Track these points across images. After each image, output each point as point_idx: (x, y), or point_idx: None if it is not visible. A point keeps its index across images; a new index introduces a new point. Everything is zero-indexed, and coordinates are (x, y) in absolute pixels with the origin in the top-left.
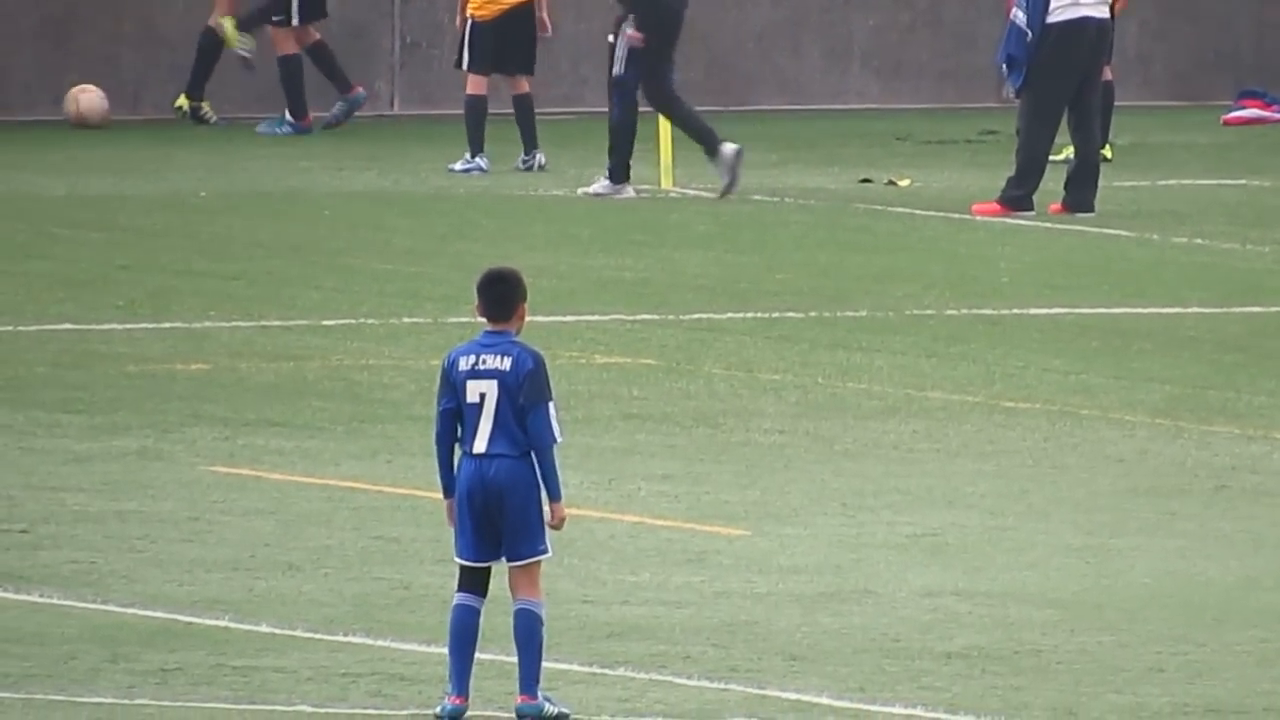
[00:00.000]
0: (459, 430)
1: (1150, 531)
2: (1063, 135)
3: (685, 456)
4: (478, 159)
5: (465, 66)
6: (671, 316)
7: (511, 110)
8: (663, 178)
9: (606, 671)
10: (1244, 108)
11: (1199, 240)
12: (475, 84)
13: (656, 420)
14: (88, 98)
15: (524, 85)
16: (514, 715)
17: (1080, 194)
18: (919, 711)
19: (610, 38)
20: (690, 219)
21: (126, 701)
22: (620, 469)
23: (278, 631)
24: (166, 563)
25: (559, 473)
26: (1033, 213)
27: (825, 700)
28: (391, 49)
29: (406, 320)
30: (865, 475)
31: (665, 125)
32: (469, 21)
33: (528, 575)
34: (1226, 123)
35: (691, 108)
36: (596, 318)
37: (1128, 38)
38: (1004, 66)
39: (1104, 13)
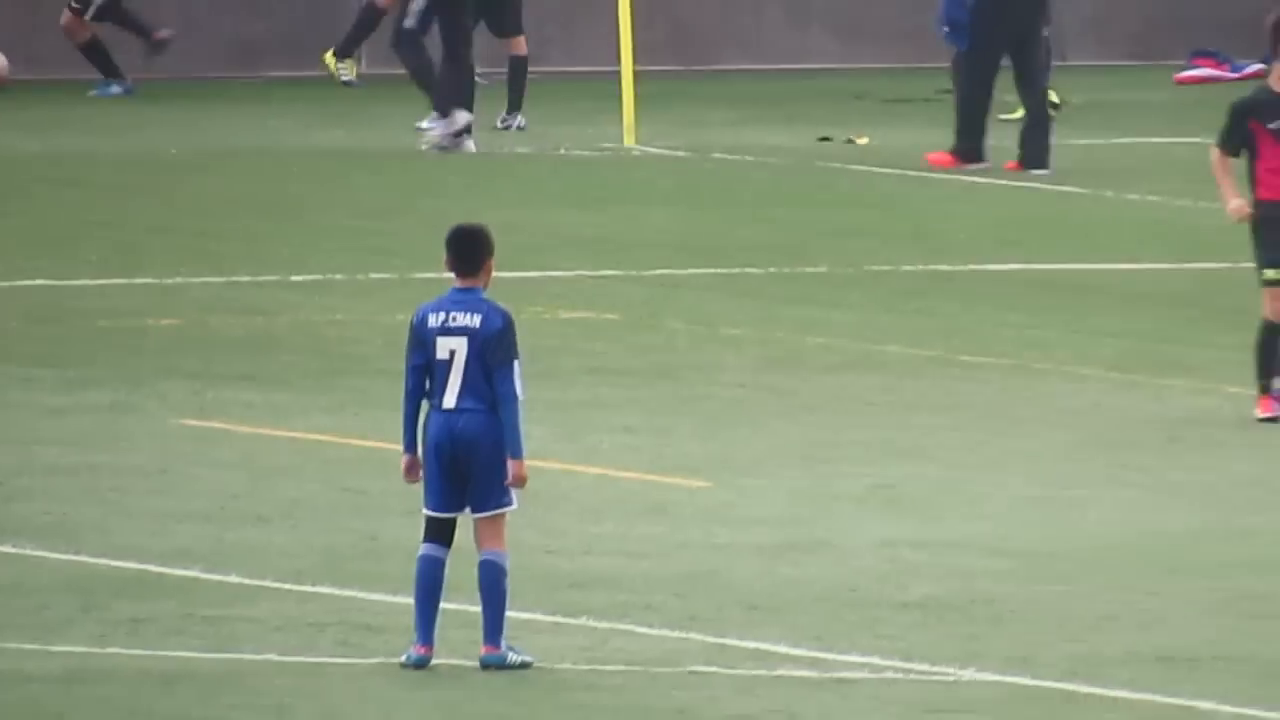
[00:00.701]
0: (428, 385)
1: (1103, 483)
2: (1014, 96)
3: (647, 409)
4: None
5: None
6: (634, 272)
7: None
8: (626, 135)
9: (569, 621)
10: (1197, 67)
11: (1152, 197)
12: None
13: (619, 374)
14: None
15: (520, 45)
16: (479, 664)
17: (1034, 151)
18: (875, 660)
19: None
20: (653, 176)
21: (98, 650)
22: (583, 422)
23: (247, 582)
24: (137, 514)
25: (521, 431)
26: (985, 164)
27: (783, 649)
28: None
29: (374, 276)
30: (824, 428)
31: (629, 84)
32: None
33: (493, 527)
34: (1179, 81)
35: (432, 65)
36: (561, 273)
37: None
38: (945, 30)
39: None
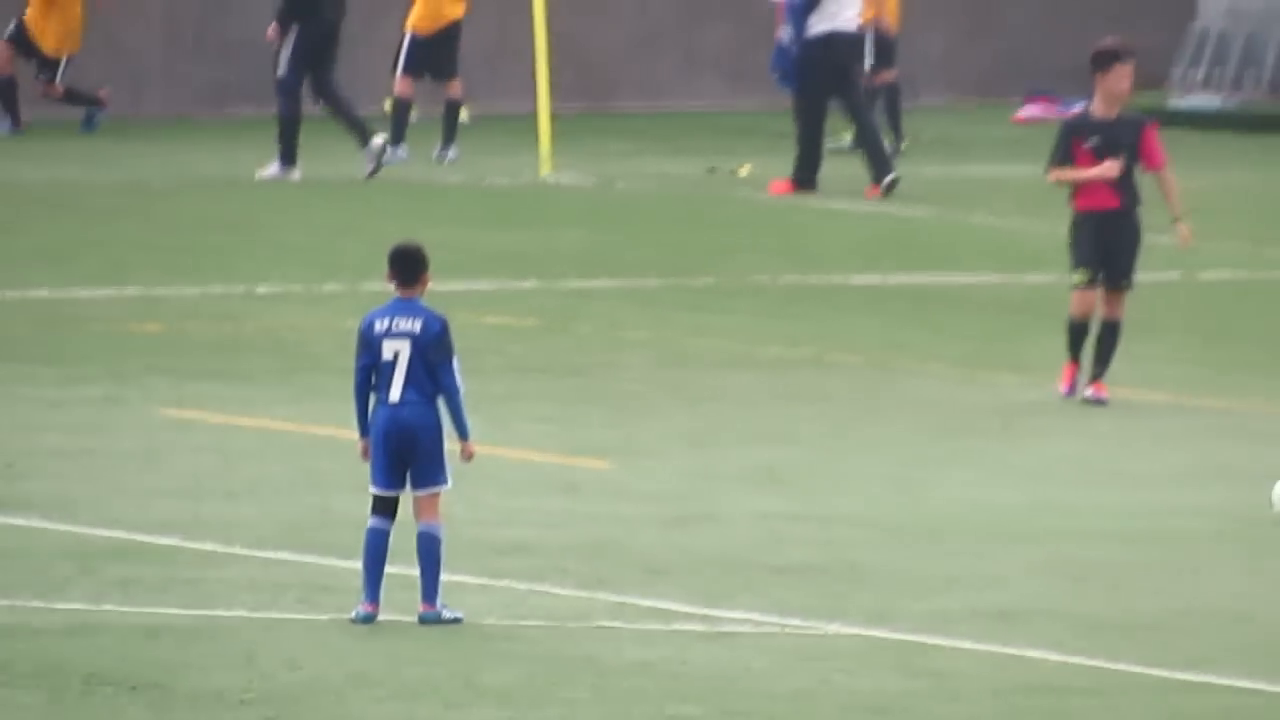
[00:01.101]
0: (374, 381)
1: (950, 464)
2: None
3: (560, 401)
4: (399, 149)
5: (400, 71)
6: (549, 284)
7: (424, 110)
8: (541, 166)
9: (494, 583)
10: (1033, 105)
11: (990, 219)
12: (404, 86)
13: (536, 371)
14: None
15: (456, 89)
16: (418, 620)
17: (878, 169)
18: (755, 616)
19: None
20: (564, 201)
21: (93, 607)
22: (505, 412)
23: (219, 549)
24: (126, 491)
25: (466, 416)
26: (816, 191)
27: (677, 607)
28: None
29: (327, 288)
30: (711, 417)
31: (545, 122)
32: (409, 35)
33: (430, 503)
34: (1016, 120)
35: (349, 104)
36: (485, 285)
37: (933, 45)
38: (776, 75)
39: (853, 26)
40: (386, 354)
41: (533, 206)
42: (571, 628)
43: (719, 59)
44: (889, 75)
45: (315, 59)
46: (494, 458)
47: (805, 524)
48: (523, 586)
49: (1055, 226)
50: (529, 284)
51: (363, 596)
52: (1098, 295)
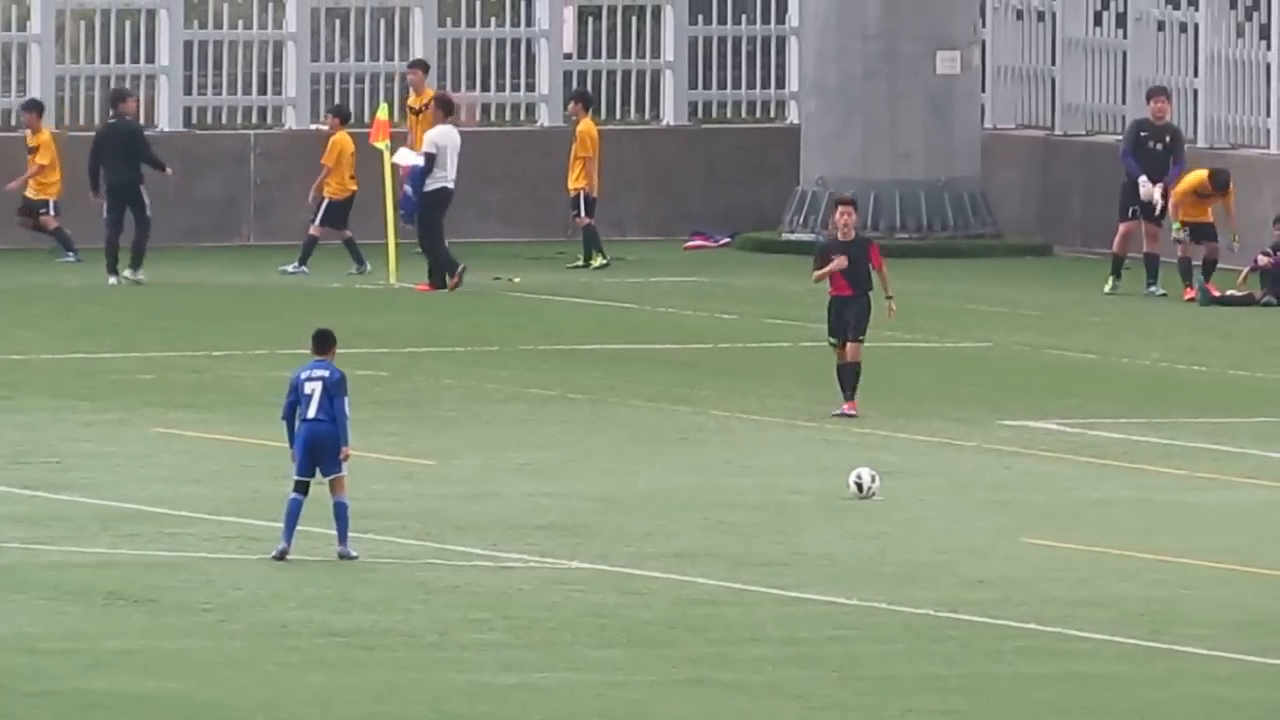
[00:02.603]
0: (298, 410)
1: (647, 462)
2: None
3: (403, 423)
4: (303, 267)
5: (318, 223)
6: (395, 350)
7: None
8: (390, 276)
9: (361, 535)
10: (696, 239)
11: (670, 310)
12: (319, 231)
13: (387, 405)
14: None
15: (347, 232)
16: (336, 556)
17: (448, 268)
18: (524, 556)
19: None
20: (405, 299)
21: (109, 550)
22: (369, 429)
23: (189, 515)
24: (131, 479)
25: (349, 431)
26: (446, 290)
27: (476, 550)
28: (249, 209)
29: (256, 352)
30: (496, 433)
31: (392, 247)
32: (326, 199)
33: (339, 483)
34: (686, 249)
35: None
36: (357, 351)
37: (634, 200)
38: (403, 214)
39: (451, 183)
40: (306, 390)
41: (385, 302)
42: (409, 564)
43: (499, 210)
44: (586, 221)
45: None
46: (361, 458)
47: (555, 499)
48: (379, 538)
49: (712, 312)
50: (382, 350)
51: (281, 540)
52: (846, 348)
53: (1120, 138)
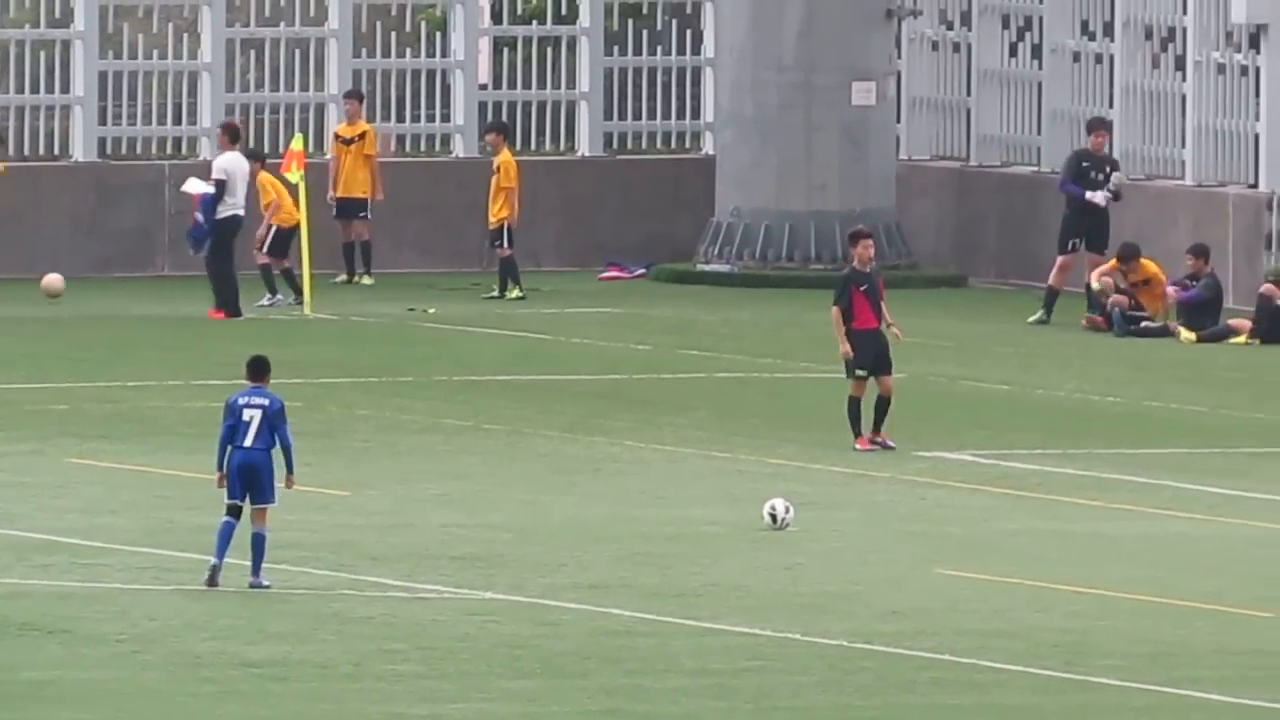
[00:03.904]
0: (234, 436)
1: (562, 493)
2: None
3: (318, 453)
4: (277, 297)
5: (265, 251)
6: (310, 380)
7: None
8: (307, 308)
9: (275, 566)
10: (611, 270)
11: (585, 340)
12: (266, 259)
13: (302, 434)
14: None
15: (262, 257)
16: (248, 585)
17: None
18: (439, 587)
19: None
20: (321, 329)
21: (23, 581)
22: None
23: (104, 545)
24: (46, 509)
25: (294, 459)
26: (241, 317)
27: (390, 581)
28: (164, 240)
29: (171, 383)
30: (411, 463)
31: (308, 280)
32: (274, 226)
33: (262, 514)
34: (601, 279)
35: None
36: (273, 381)
37: (550, 231)
38: (192, 242)
39: (241, 210)
40: (245, 417)
41: (301, 332)
42: (324, 595)
43: (414, 241)
44: (506, 251)
45: None
46: (276, 488)
47: (470, 529)
48: (294, 568)
49: (627, 344)
50: (297, 380)
51: (213, 557)
52: (869, 381)
53: (1036, 169)
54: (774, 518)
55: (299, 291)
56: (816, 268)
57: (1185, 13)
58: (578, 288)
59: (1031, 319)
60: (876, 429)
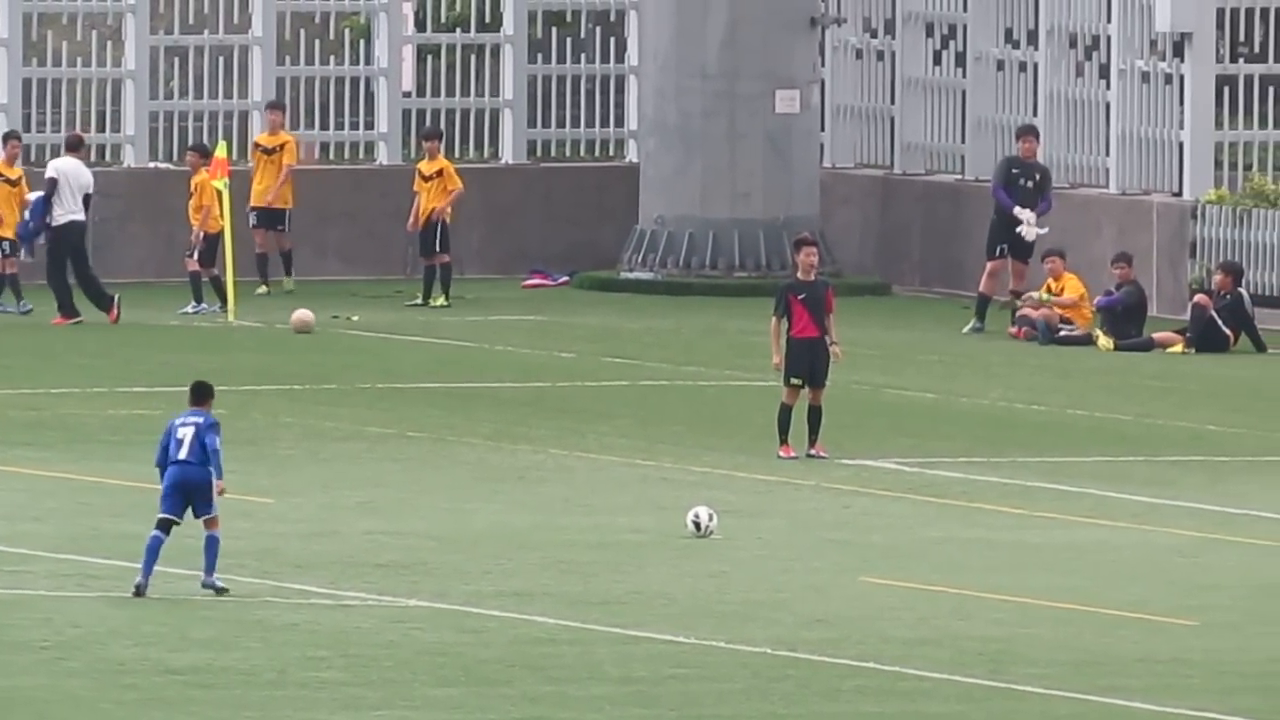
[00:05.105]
0: (169, 452)
1: (486, 501)
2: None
3: (242, 461)
4: (203, 305)
5: (197, 258)
6: (234, 388)
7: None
8: (230, 315)
9: (198, 573)
10: (534, 277)
11: (509, 347)
12: (195, 266)
13: (225, 443)
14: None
15: (194, 264)
16: (200, 586)
17: (100, 301)
18: (362, 594)
19: None
20: (244, 336)
21: None
22: None
23: (28, 553)
24: None
25: (222, 466)
26: (81, 318)
27: (313, 588)
28: (88, 246)
29: (95, 389)
30: (335, 470)
31: (232, 289)
32: (203, 233)
33: (213, 521)
34: (524, 287)
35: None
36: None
37: (474, 238)
38: (25, 246)
39: (81, 216)
40: (179, 435)
41: (225, 339)
42: (248, 602)
43: (337, 249)
44: (445, 258)
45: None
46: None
47: (393, 537)
48: (225, 575)
49: (551, 351)
50: (221, 388)
51: (140, 574)
52: (803, 392)
53: (960, 177)
54: (698, 526)
55: (224, 299)
56: (740, 275)
57: (1109, 21)
58: (501, 295)
59: (966, 329)
60: (812, 441)
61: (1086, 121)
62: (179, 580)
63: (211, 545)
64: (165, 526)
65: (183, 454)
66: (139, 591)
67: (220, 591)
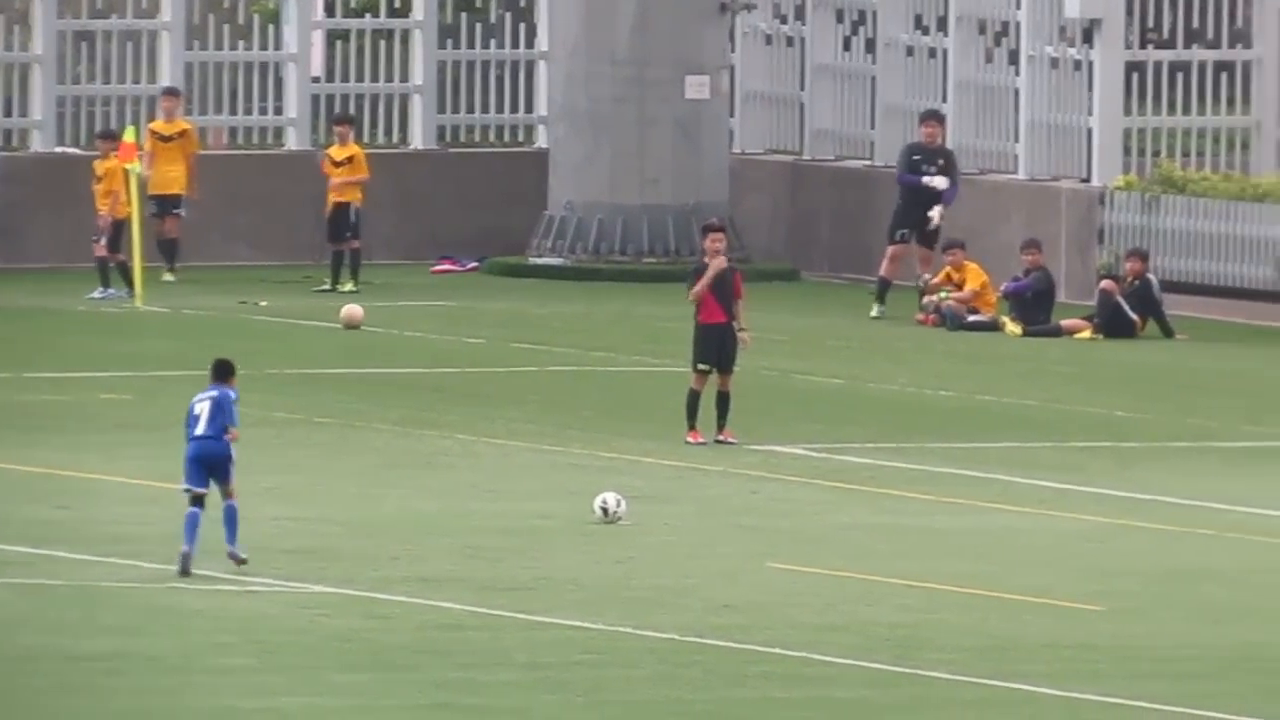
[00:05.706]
0: (191, 429)
1: (392, 486)
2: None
3: (149, 446)
4: (110, 290)
5: (105, 244)
6: (143, 373)
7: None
8: (137, 300)
9: (105, 560)
10: (443, 263)
11: (418, 333)
12: (103, 251)
13: (133, 429)
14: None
15: (102, 248)
16: (227, 555)
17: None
18: (271, 581)
19: None
20: (153, 322)
21: None
22: (114, 453)
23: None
24: None
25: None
26: None
27: (220, 574)
28: None
29: (75, 375)
30: (244, 457)
31: (139, 276)
32: (112, 218)
33: (230, 491)
34: (434, 272)
35: None
36: (104, 374)
37: (385, 224)
38: None
39: None
40: (196, 411)
41: (134, 326)
42: (155, 588)
43: (246, 235)
44: (355, 243)
45: None
46: (104, 480)
47: (300, 523)
48: (124, 562)
49: (459, 337)
50: (128, 373)
51: (184, 544)
52: (711, 377)
53: (869, 163)
54: (605, 511)
55: (131, 285)
56: (649, 261)
57: (1019, 8)
58: (410, 281)
59: (873, 313)
60: (720, 427)
61: (995, 108)
62: (86, 566)
63: (231, 515)
64: (198, 501)
65: (200, 429)
66: (184, 563)
67: (241, 562)
